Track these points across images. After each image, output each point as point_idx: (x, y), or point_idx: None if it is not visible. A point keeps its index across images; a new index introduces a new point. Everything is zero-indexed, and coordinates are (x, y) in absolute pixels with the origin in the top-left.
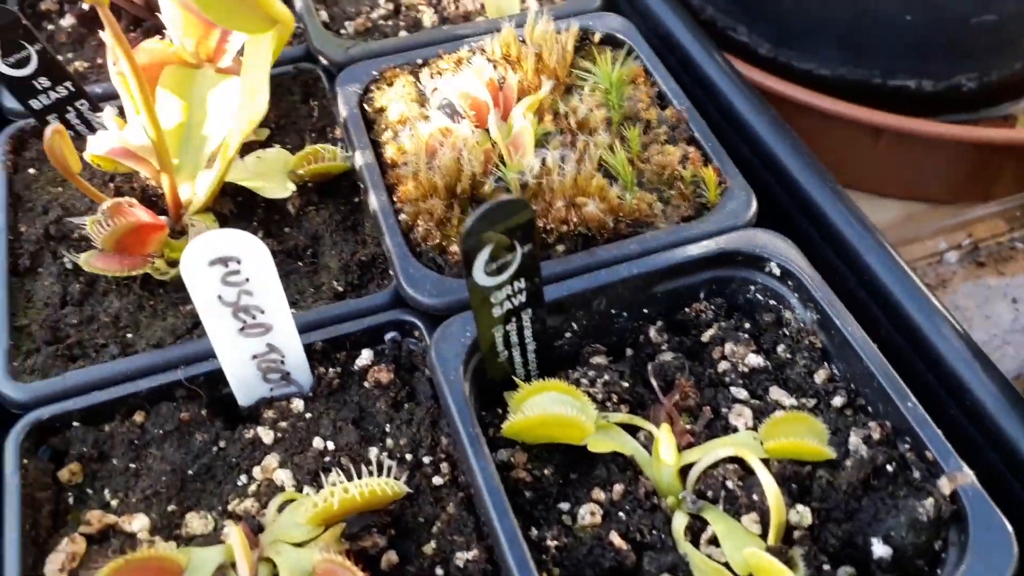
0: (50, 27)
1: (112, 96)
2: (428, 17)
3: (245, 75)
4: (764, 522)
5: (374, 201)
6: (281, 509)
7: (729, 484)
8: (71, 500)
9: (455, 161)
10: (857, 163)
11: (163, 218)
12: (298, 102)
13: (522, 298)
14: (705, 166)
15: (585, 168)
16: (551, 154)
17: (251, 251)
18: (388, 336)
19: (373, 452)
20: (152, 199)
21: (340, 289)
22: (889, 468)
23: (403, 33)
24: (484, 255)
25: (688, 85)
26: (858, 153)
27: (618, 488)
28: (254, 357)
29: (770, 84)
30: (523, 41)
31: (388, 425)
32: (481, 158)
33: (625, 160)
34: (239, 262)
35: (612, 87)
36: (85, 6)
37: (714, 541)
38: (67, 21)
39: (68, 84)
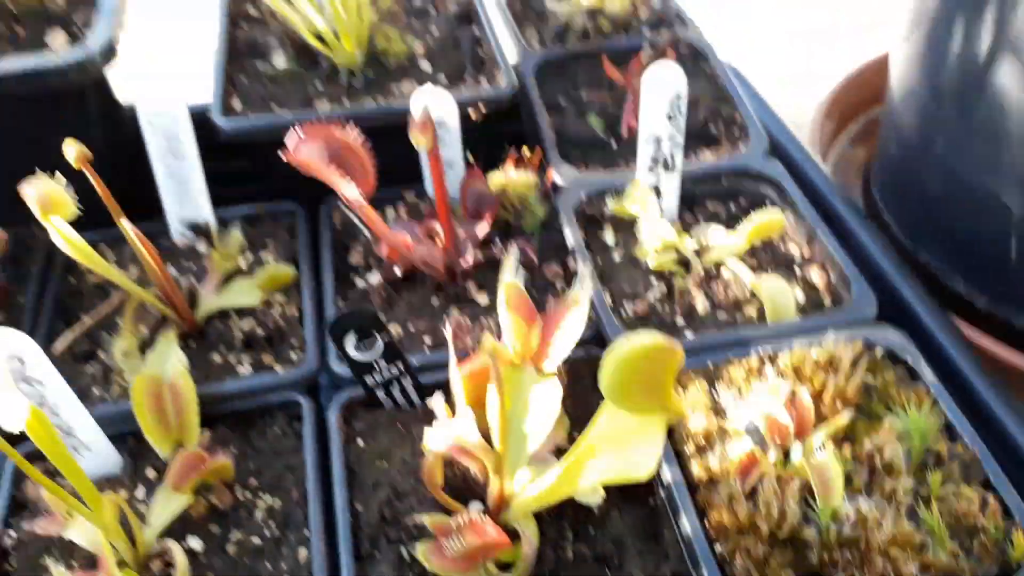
0: (359, 282)
1: (426, 368)
2: (700, 302)
3: (623, 442)
4: None
5: (685, 524)
6: None
7: None
8: None
9: (779, 506)
10: None
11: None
12: (589, 389)
13: None
14: (1005, 517)
15: (897, 518)
16: (865, 502)
17: None
18: None
19: None
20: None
21: None
22: None
23: (679, 319)
24: None
25: None
26: None
27: None
28: None
29: (983, 343)
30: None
31: None
32: (799, 499)
33: (939, 514)
34: None
35: (916, 433)
36: (398, 272)
37: None
38: (375, 279)
39: (400, 363)
